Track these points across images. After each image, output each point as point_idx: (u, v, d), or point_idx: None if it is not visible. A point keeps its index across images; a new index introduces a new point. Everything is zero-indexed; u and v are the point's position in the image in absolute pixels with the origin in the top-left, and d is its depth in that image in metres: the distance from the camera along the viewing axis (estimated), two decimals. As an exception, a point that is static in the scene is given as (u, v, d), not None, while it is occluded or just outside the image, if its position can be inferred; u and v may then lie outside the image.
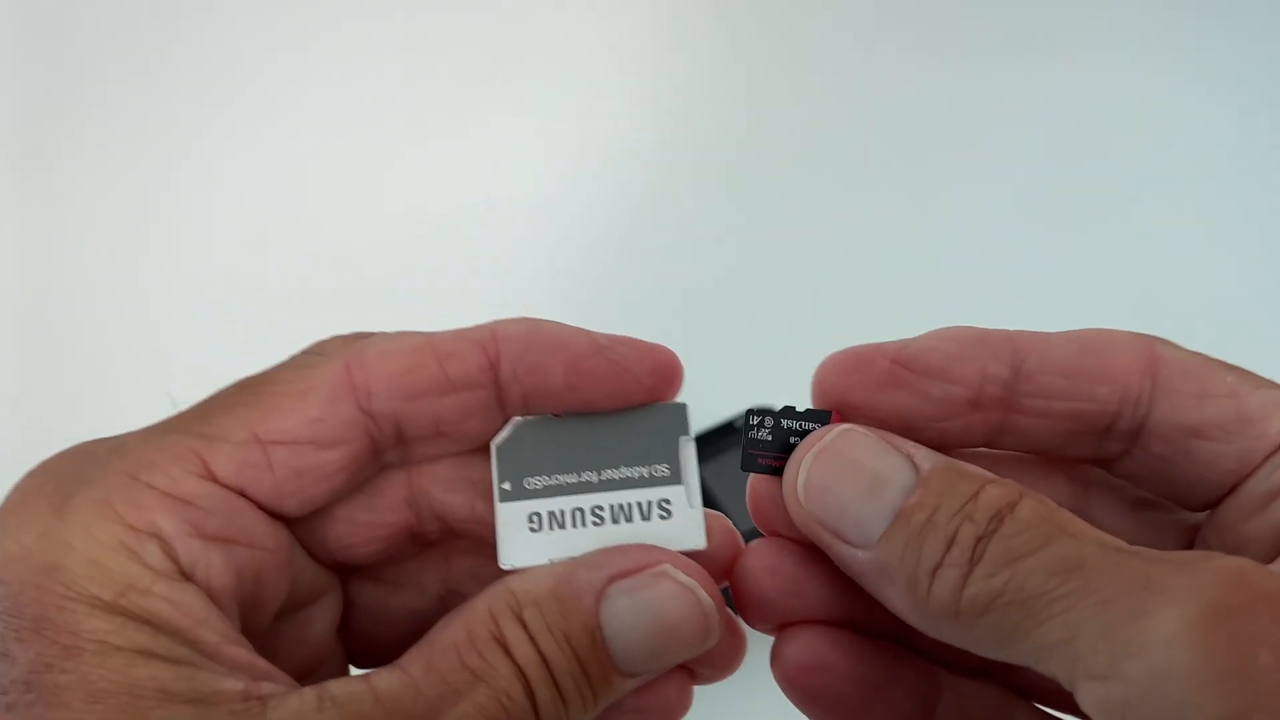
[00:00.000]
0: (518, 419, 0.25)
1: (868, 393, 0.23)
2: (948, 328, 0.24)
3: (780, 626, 0.25)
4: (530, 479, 0.24)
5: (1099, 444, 0.24)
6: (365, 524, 0.25)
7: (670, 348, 0.24)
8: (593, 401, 0.24)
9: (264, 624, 0.24)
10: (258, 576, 0.23)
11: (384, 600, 0.27)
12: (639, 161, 0.61)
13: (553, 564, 0.23)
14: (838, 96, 0.64)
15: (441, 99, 0.64)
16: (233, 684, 0.21)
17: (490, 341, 0.24)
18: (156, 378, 0.50)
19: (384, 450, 0.24)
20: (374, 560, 0.26)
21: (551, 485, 0.24)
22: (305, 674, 0.26)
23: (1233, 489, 0.23)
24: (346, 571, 0.27)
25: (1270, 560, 0.22)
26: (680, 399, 0.25)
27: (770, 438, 0.24)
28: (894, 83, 0.64)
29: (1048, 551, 0.20)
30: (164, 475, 0.22)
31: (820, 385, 0.24)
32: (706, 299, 0.58)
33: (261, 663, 0.22)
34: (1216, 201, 0.60)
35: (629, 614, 0.22)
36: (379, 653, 0.27)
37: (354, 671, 0.27)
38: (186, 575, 0.22)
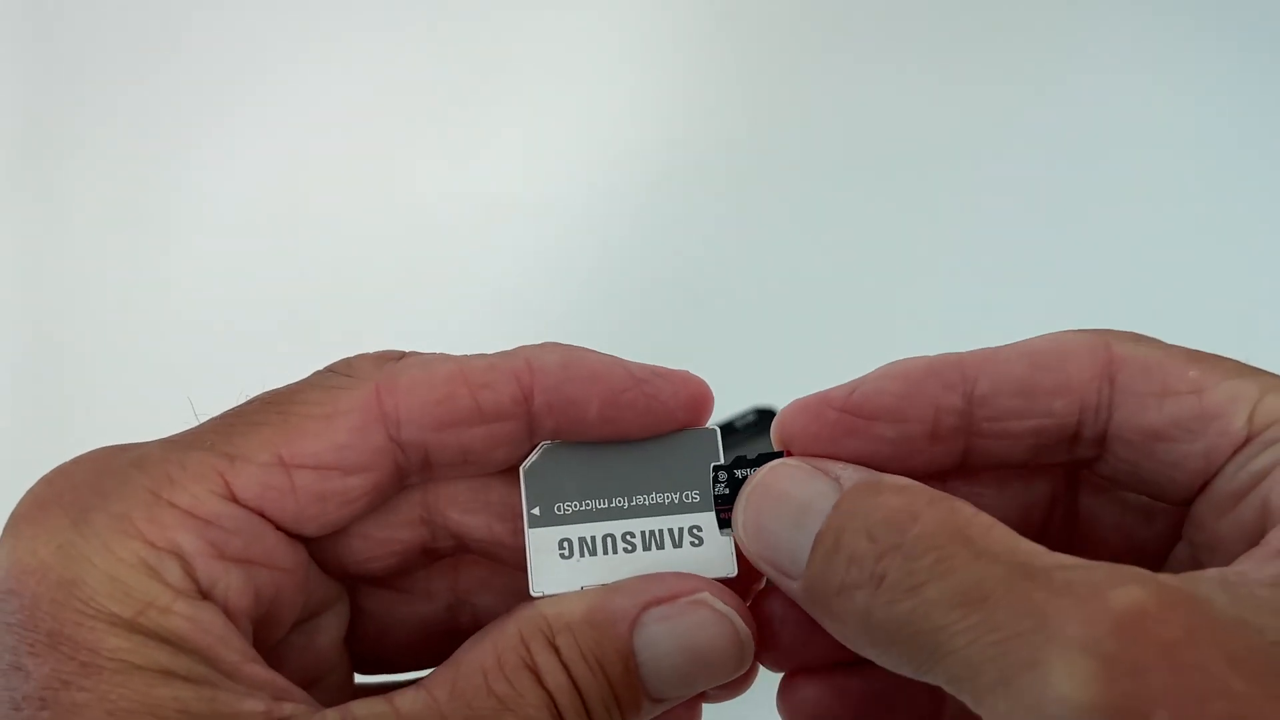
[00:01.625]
0: (546, 443, 0.24)
1: (823, 445, 0.23)
2: (894, 363, 0.24)
3: (785, 676, 0.25)
4: (560, 504, 0.24)
5: (1071, 451, 0.24)
6: (379, 540, 0.25)
7: (702, 378, 0.24)
8: (625, 433, 0.24)
9: (276, 638, 0.24)
10: (275, 596, 0.23)
11: (392, 607, 0.27)
12: (643, 163, 0.61)
13: (584, 590, 0.23)
14: (840, 102, 0.63)
15: (446, 102, 0.63)
16: (254, 704, 0.21)
17: (525, 372, 0.23)
18: (169, 378, 0.50)
19: (408, 475, 0.24)
20: (385, 573, 0.26)
21: (581, 511, 0.24)
22: (312, 683, 0.25)
23: (1204, 486, 0.22)
24: (355, 580, 0.26)
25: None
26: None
27: (728, 490, 0.24)
28: (895, 91, 0.63)
29: (952, 580, 0.19)
30: (186, 494, 0.21)
31: (781, 440, 0.24)
32: (709, 299, 0.58)
33: (281, 681, 0.22)
34: (1217, 205, 0.60)
35: (664, 641, 0.22)
36: (386, 659, 0.27)
37: (358, 678, 0.27)
38: (205, 594, 0.22)
